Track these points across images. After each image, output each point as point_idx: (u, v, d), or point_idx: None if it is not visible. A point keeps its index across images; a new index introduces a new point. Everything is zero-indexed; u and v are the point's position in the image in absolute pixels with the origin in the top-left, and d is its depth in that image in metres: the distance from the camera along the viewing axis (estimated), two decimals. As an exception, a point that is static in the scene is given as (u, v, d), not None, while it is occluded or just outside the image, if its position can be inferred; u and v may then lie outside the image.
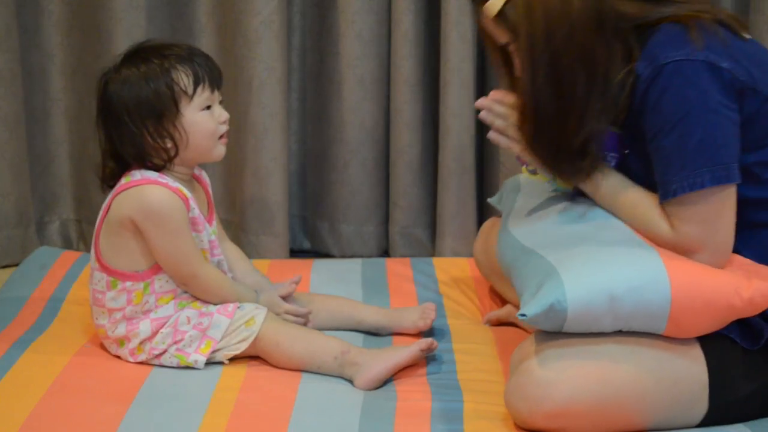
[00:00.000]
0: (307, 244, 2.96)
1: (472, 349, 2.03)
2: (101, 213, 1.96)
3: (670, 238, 1.72)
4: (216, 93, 1.96)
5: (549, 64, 1.70)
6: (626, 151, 1.81)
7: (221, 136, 1.97)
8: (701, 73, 1.67)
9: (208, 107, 1.95)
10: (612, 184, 1.80)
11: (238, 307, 1.95)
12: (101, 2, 2.69)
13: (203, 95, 1.94)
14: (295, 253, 2.91)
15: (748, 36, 1.79)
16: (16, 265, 2.64)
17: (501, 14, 1.74)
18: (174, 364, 1.92)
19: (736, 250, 1.73)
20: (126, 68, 1.94)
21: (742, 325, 1.71)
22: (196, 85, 1.93)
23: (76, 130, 2.82)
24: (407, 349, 1.90)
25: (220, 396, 1.80)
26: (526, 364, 1.69)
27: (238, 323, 1.93)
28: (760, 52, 1.78)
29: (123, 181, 1.94)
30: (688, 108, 1.67)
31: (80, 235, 2.89)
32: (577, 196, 1.89)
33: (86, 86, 2.77)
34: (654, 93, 1.69)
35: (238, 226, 2.82)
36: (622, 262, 1.68)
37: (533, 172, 1.93)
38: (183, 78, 1.92)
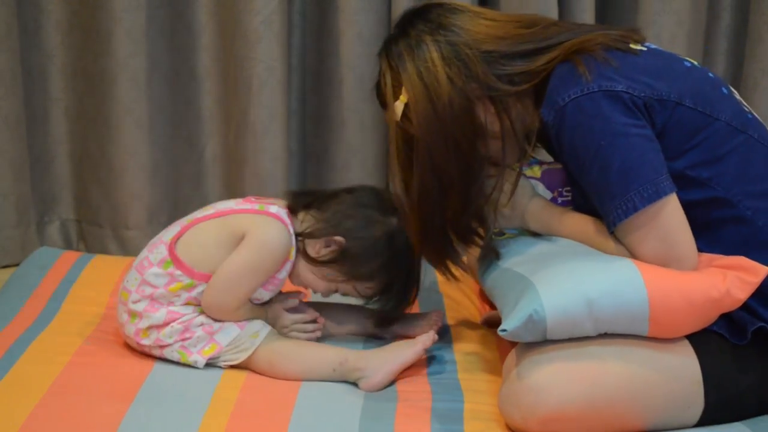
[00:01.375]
0: (307, 244, 2.95)
1: (472, 349, 2.03)
2: (216, 208, 1.99)
3: None
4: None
5: (429, 157, 1.76)
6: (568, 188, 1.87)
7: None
8: (599, 102, 1.69)
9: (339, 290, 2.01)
10: (569, 226, 1.83)
11: (249, 322, 1.95)
12: (101, 2, 2.69)
13: (354, 294, 2.00)
14: (295, 253, 2.90)
15: (642, 47, 1.80)
16: (16, 265, 2.63)
17: (403, 117, 1.80)
18: (175, 359, 1.93)
19: (700, 251, 1.74)
20: (392, 232, 1.95)
21: (729, 320, 1.71)
22: (367, 295, 2.00)
23: (76, 130, 2.82)
24: (411, 349, 1.90)
25: (220, 396, 1.80)
26: (517, 370, 1.70)
27: (245, 334, 1.93)
28: (655, 61, 1.79)
29: (259, 206, 1.97)
30: (598, 140, 1.69)
31: (80, 235, 2.89)
32: None
33: (86, 86, 2.77)
34: (564, 135, 1.72)
35: (238, 226, 2.82)
36: (595, 269, 1.70)
37: (499, 234, 1.95)
38: (376, 291, 1.99)
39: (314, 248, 1.96)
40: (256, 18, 2.66)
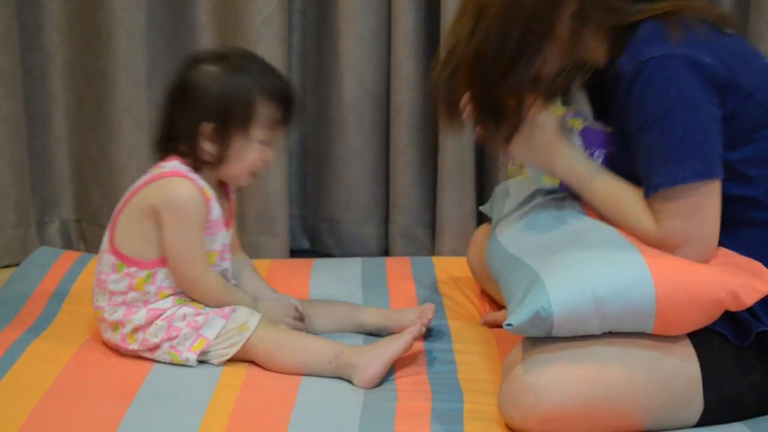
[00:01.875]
0: (307, 244, 2.96)
1: (472, 350, 2.03)
2: (125, 197, 1.98)
3: (654, 233, 1.73)
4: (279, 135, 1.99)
5: (498, 17, 1.72)
6: (612, 149, 1.84)
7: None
8: (683, 68, 1.68)
9: (265, 143, 1.97)
10: (598, 180, 1.81)
11: (234, 310, 1.95)
12: (101, 2, 2.69)
13: (272, 133, 1.96)
14: (295, 253, 2.91)
15: (731, 31, 1.79)
16: (16, 265, 2.64)
17: None
18: (167, 361, 1.93)
19: (722, 246, 1.74)
20: (223, 66, 1.94)
21: (732, 321, 1.71)
22: (275, 123, 1.95)
23: (76, 130, 2.82)
24: (400, 339, 1.90)
25: (220, 395, 1.80)
26: (516, 370, 1.69)
27: (231, 325, 1.93)
28: (742, 47, 1.78)
29: (154, 171, 1.96)
30: (670, 103, 1.68)
31: (80, 235, 2.89)
32: (564, 199, 1.91)
33: (86, 86, 2.77)
34: (637, 88, 1.70)
35: (238, 226, 2.81)
36: (604, 264, 1.69)
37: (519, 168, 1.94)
38: (269, 109, 1.94)
39: (209, 154, 1.94)
40: (256, 18, 2.66)
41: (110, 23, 2.68)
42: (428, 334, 2.09)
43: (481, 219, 2.79)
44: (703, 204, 1.70)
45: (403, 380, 1.89)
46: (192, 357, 1.91)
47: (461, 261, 2.50)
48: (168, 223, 1.92)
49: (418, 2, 2.70)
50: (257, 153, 1.97)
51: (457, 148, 2.72)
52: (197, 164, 1.95)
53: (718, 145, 1.70)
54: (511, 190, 2.11)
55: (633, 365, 1.67)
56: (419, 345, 2.03)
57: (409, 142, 2.77)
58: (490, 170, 2.81)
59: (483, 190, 2.83)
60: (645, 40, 1.71)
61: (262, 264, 2.48)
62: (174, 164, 1.95)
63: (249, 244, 2.79)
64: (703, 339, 1.70)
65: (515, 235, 1.88)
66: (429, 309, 2.09)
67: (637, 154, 1.74)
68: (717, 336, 1.71)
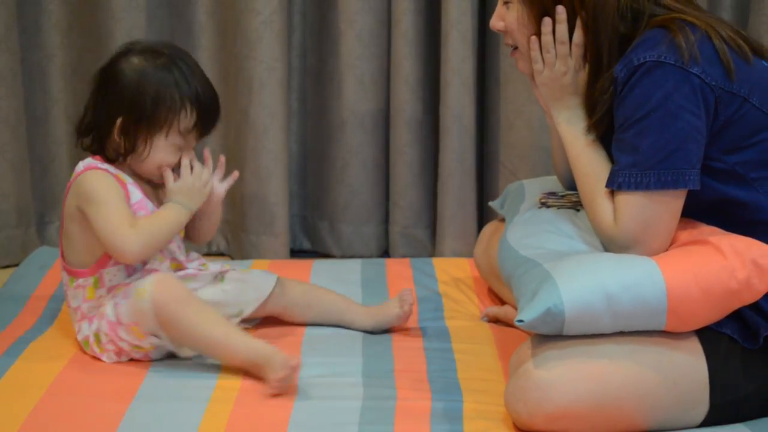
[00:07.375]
0: (307, 244, 2.96)
1: (472, 349, 2.03)
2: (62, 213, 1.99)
3: (611, 227, 1.75)
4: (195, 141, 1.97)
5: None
6: None
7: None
8: (669, 75, 1.69)
9: (180, 148, 1.95)
10: (586, 153, 1.81)
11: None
12: (101, 2, 2.69)
13: (187, 138, 1.95)
14: (295, 253, 2.91)
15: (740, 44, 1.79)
16: (16, 265, 2.64)
17: None
18: (139, 356, 1.93)
19: None
20: (149, 60, 1.92)
21: (742, 324, 1.71)
22: (190, 127, 1.94)
23: (76, 131, 2.82)
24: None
25: (220, 395, 1.80)
26: (525, 366, 1.69)
27: (133, 299, 1.87)
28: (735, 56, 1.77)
29: (72, 179, 1.96)
30: (650, 108, 1.69)
31: (80, 235, 2.89)
32: (577, 209, 1.93)
33: (86, 86, 2.76)
34: (625, 90, 1.72)
35: (238, 226, 2.82)
36: (614, 263, 1.70)
37: (544, 204, 1.97)
38: (187, 112, 1.92)
39: (117, 145, 1.93)
40: (256, 18, 2.66)
41: (110, 23, 2.68)
42: (428, 334, 2.09)
43: (482, 218, 2.80)
44: (661, 213, 1.71)
45: (402, 380, 1.89)
46: (154, 352, 1.91)
47: (461, 261, 2.50)
48: (88, 212, 1.90)
49: (418, 2, 2.70)
50: (172, 157, 1.94)
51: (457, 148, 2.72)
52: (108, 156, 1.94)
53: (695, 157, 1.70)
54: (527, 193, 2.11)
55: (643, 365, 1.67)
56: (419, 344, 2.04)
57: (409, 142, 2.77)
58: (491, 170, 2.81)
59: (483, 190, 2.83)
60: (638, 46, 1.73)
61: (262, 264, 2.48)
62: (85, 161, 1.95)
63: (249, 244, 2.79)
64: (711, 340, 1.70)
65: (528, 241, 1.88)
66: (406, 294, 2.07)
67: (612, 148, 1.76)
68: (725, 338, 1.71)
